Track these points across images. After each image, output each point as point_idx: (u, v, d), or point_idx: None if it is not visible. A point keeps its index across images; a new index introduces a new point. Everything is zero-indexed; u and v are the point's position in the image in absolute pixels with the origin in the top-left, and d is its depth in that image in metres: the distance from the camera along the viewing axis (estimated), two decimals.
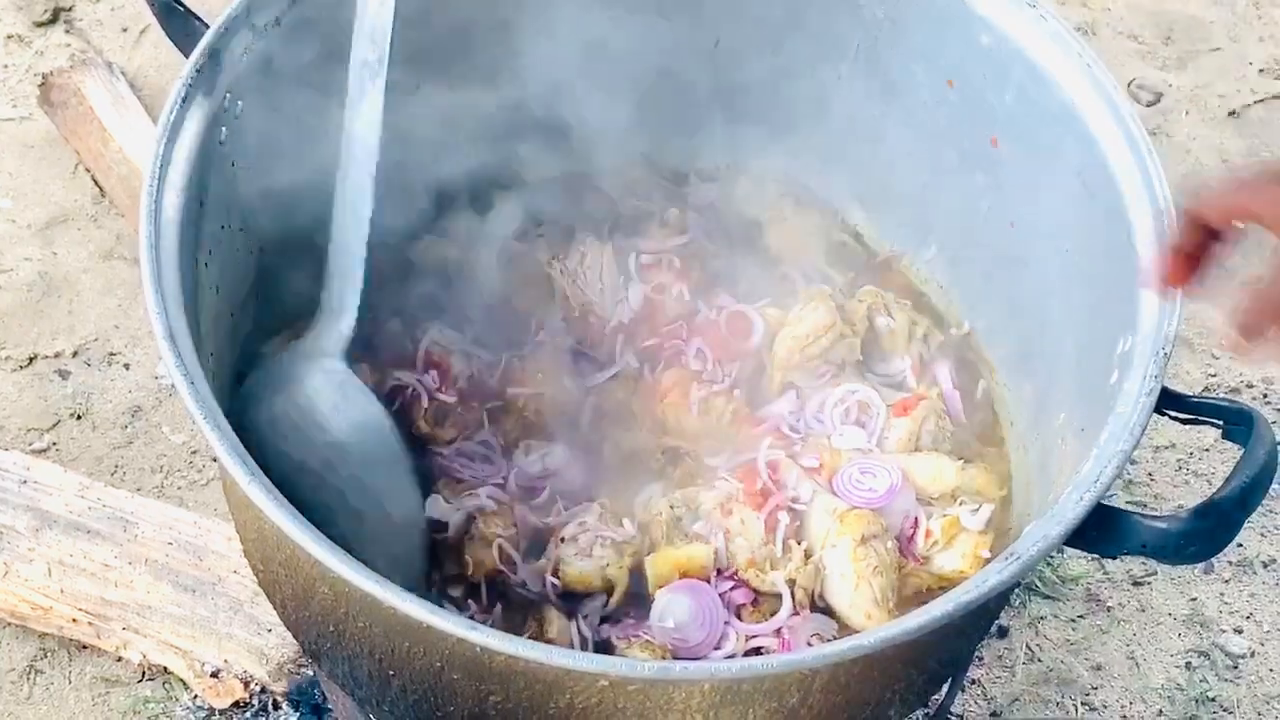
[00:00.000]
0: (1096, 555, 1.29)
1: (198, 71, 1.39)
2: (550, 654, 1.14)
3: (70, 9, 2.64)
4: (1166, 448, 2.28)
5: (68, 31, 2.61)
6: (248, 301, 1.55)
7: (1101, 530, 1.25)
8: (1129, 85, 2.77)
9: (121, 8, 2.64)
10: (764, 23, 1.71)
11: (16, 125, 2.49)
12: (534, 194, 1.77)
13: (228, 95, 1.41)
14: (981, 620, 1.37)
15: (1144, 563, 2.14)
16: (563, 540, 1.48)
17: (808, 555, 1.49)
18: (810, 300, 1.67)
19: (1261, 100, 2.79)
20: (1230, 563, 2.16)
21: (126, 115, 2.37)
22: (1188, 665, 2.05)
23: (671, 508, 1.51)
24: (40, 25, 2.61)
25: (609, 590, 1.47)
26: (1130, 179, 1.43)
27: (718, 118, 1.79)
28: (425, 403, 1.58)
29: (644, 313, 1.71)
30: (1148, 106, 2.75)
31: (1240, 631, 2.09)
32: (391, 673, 1.28)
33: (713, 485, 1.55)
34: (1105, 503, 1.23)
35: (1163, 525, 1.24)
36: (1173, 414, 1.34)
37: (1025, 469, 1.60)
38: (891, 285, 1.76)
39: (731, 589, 1.48)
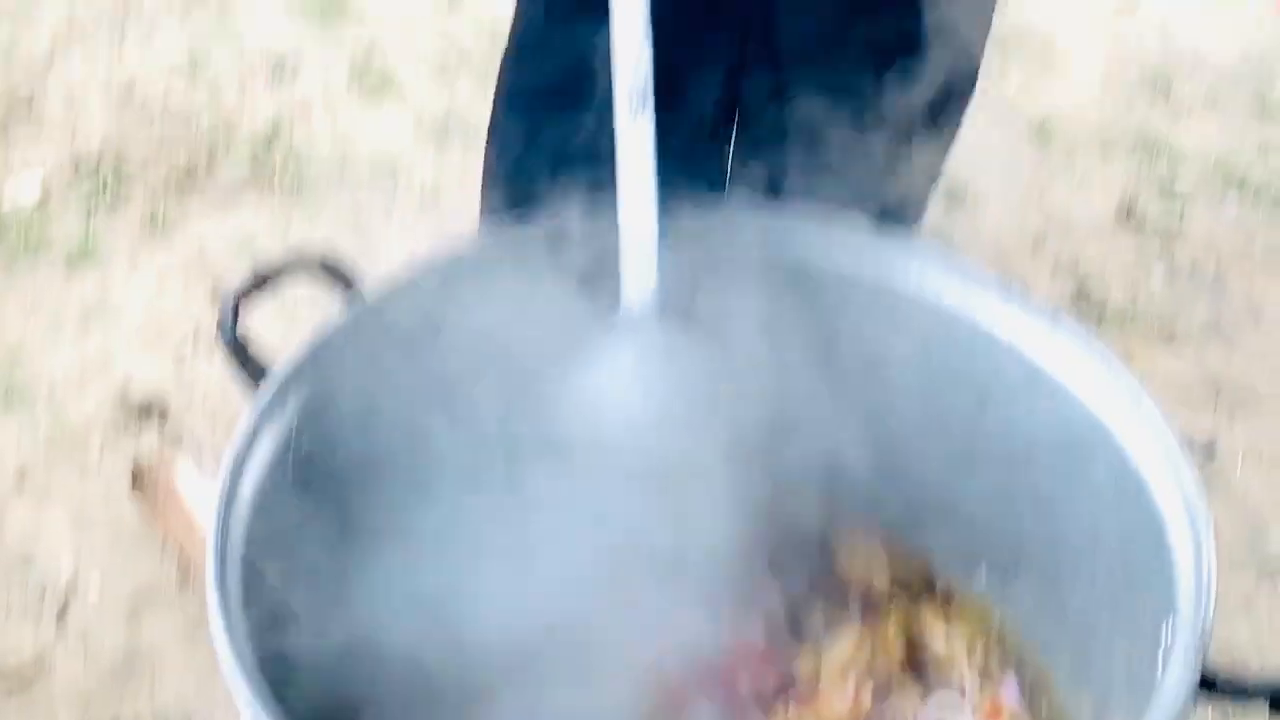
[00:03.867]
0: None
1: (265, 409, 1.50)
2: None
3: (166, 407, 2.79)
4: None
5: (162, 425, 2.76)
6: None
7: None
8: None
9: (216, 405, 2.79)
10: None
11: (108, 512, 2.61)
12: None
13: (293, 429, 1.52)
14: None
15: None
16: None
17: None
18: (834, 633, 1.72)
19: None
20: None
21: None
22: None
23: None
24: (136, 420, 2.76)
25: None
26: (1158, 476, 1.49)
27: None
28: None
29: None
30: (1201, 462, 2.79)
31: None
32: None
33: None
34: None
35: None
36: (1214, 696, 1.36)
37: None
38: (950, 606, 1.80)
39: None
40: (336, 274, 1.69)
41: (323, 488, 1.55)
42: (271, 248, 3.07)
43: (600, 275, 1.63)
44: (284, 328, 2.90)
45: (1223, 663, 1.37)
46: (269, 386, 1.53)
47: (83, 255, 3.15)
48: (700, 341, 1.63)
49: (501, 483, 1.59)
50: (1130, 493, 1.51)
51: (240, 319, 1.62)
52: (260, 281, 1.68)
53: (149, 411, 2.78)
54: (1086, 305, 3.06)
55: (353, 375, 1.58)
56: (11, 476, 2.67)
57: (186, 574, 2.50)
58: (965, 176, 3.35)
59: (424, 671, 1.54)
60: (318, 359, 1.57)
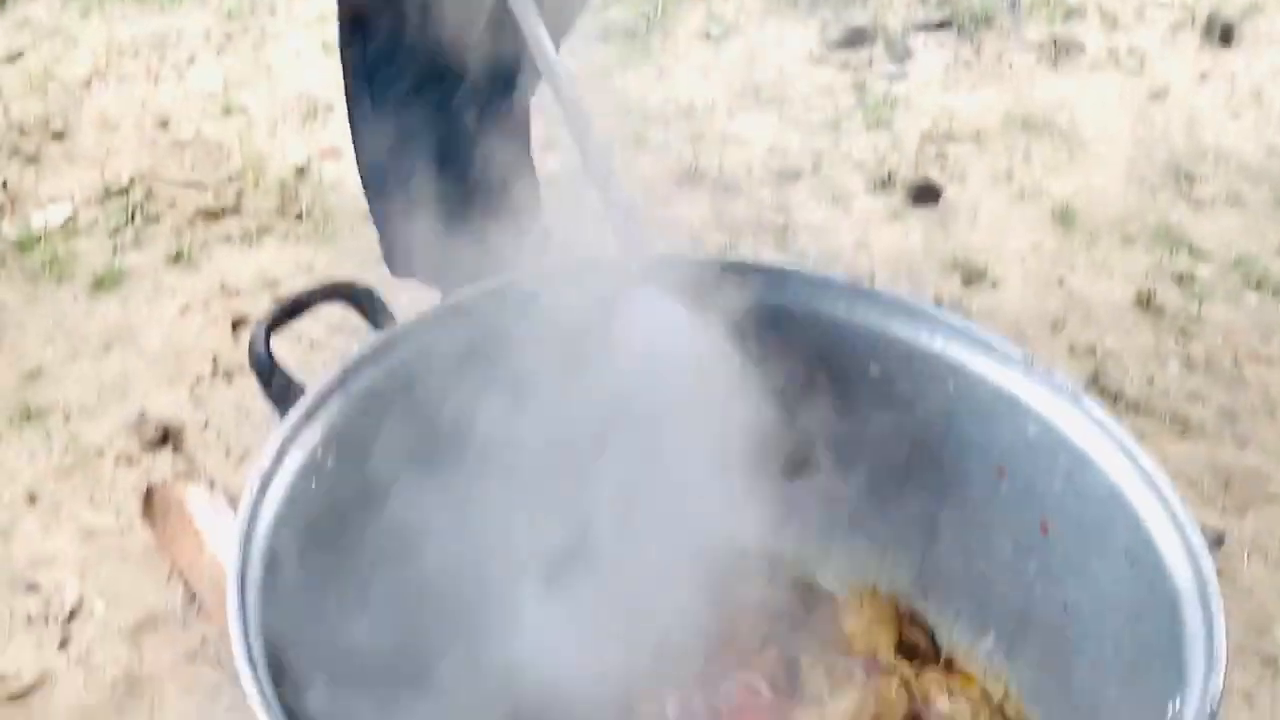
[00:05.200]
0: None
1: (293, 428, 1.52)
2: None
3: (180, 434, 2.80)
4: None
5: (175, 452, 2.77)
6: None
7: None
8: None
9: (229, 433, 2.81)
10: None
11: (117, 536, 2.61)
12: None
13: (319, 449, 1.53)
14: None
15: None
16: None
17: None
18: (838, 690, 1.72)
19: None
20: None
21: (223, 526, 2.49)
22: None
23: None
24: (150, 446, 2.77)
25: None
26: (1173, 549, 1.50)
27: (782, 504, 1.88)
28: None
29: None
30: (1210, 550, 2.79)
31: None
32: None
33: None
34: None
35: None
36: None
37: None
38: (954, 673, 1.80)
39: None
40: (366, 302, 1.71)
41: (345, 513, 1.56)
42: (294, 285, 3.08)
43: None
44: (302, 358, 2.95)
45: None
46: (298, 410, 1.54)
47: (107, 282, 3.17)
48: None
49: (532, 504, 1.61)
50: (1145, 564, 1.52)
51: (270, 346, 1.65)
52: (292, 309, 1.70)
53: (163, 439, 2.79)
54: (1103, 391, 3.06)
55: (380, 401, 1.60)
56: (22, 497, 2.68)
57: (192, 600, 2.50)
58: (986, 257, 3.37)
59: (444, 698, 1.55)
60: (346, 384, 1.58)
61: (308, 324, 2.90)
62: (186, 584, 2.51)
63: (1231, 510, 2.93)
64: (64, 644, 2.43)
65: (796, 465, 1.72)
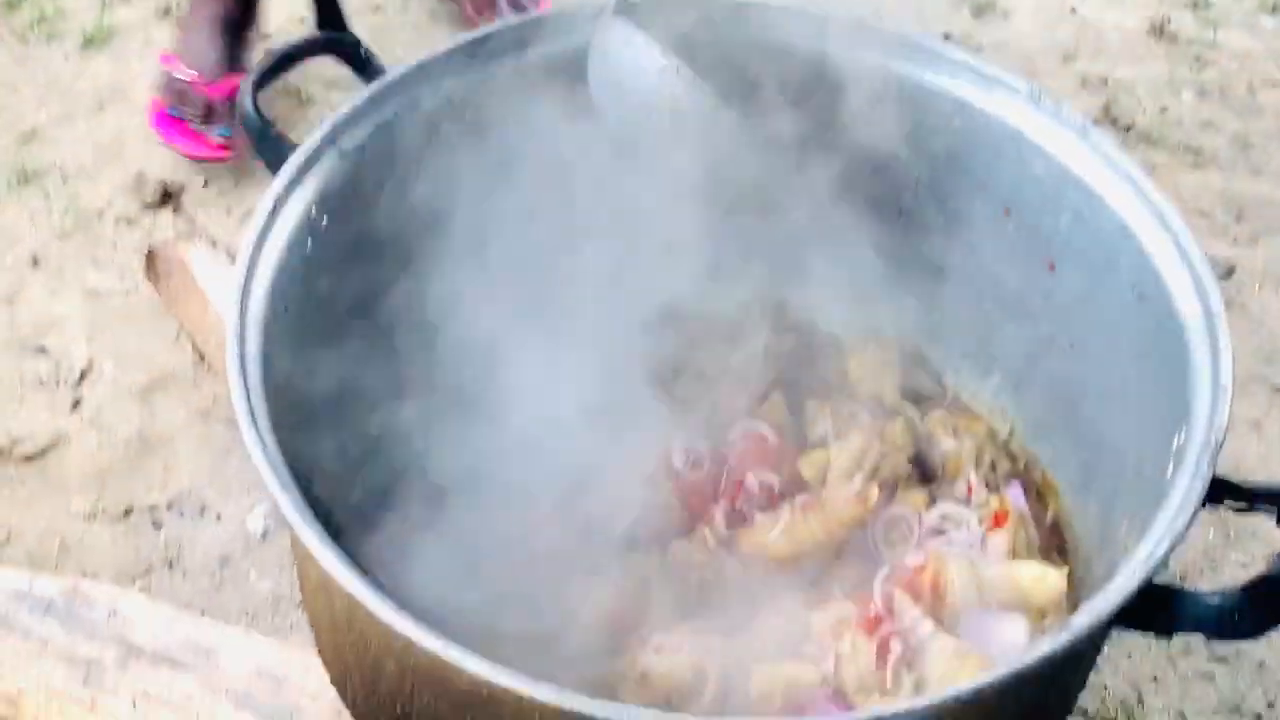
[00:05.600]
0: (1151, 634, 1.29)
1: (287, 185, 1.49)
2: (618, 711, 1.15)
3: (180, 193, 2.78)
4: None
5: (175, 212, 2.75)
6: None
7: (1154, 607, 1.26)
8: None
9: (229, 192, 2.78)
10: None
11: (123, 297, 2.61)
12: None
13: (313, 210, 1.51)
14: (1037, 705, 1.37)
15: (1227, 716, 2.11)
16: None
17: (918, 687, 1.48)
18: (843, 434, 1.72)
19: None
20: None
21: (226, 285, 2.48)
22: None
23: (783, 627, 1.52)
24: (150, 206, 2.75)
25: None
26: (1181, 282, 1.48)
27: (785, 250, 1.86)
28: None
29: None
30: (1220, 280, 2.78)
31: None
32: None
33: (825, 608, 1.56)
34: (1156, 581, 1.25)
35: (1214, 600, 1.26)
36: (1228, 503, 1.36)
37: (1091, 583, 1.61)
38: (959, 415, 1.80)
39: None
40: (356, 55, 1.66)
41: (344, 269, 1.54)
42: (287, 38, 3.02)
43: None
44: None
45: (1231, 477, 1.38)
46: (289, 168, 1.52)
47: (97, 39, 3.10)
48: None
49: (523, 264, 1.59)
50: (1152, 299, 1.50)
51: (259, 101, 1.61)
52: (279, 63, 1.66)
53: (163, 198, 2.76)
54: (1115, 123, 3.01)
55: (373, 158, 1.57)
56: (26, 260, 2.67)
57: (201, 359, 2.51)
58: None
59: (446, 466, 1.55)
60: (338, 141, 1.55)
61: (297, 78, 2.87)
62: (194, 343, 2.52)
63: (1243, 240, 2.90)
64: (75, 406, 2.44)
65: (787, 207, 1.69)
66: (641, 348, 1.64)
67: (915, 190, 1.77)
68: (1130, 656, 2.18)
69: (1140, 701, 2.12)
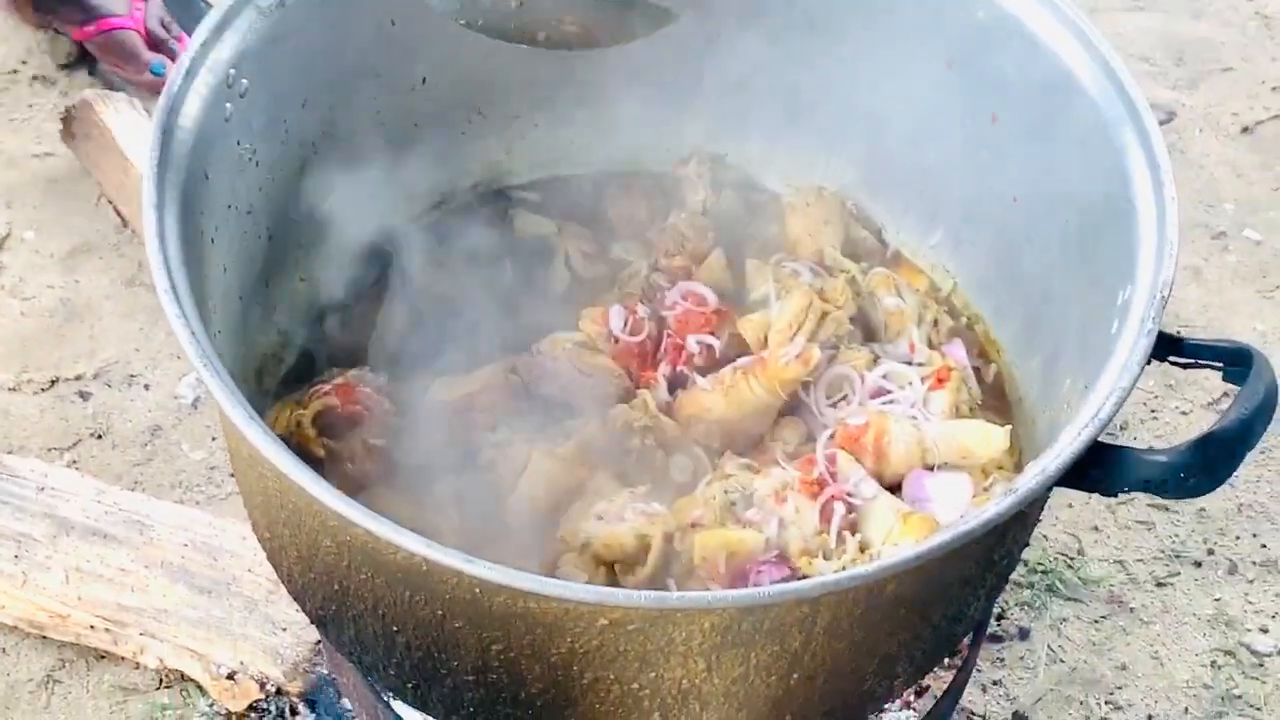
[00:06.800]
0: (1098, 494, 1.28)
1: (202, 46, 1.42)
2: (545, 585, 1.13)
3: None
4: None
5: (90, 73, 2.66)
6: (257, 287, 1.57)
7: (1100, 467, 1.25)
8: None
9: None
10: (764, 14, 1.74)
11: (40, 161, 2.54)
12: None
13: (232, 73, 1.44)
14: (983, 565, 1.36)
15: (1167, 564, 2.12)
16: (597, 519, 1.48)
17: (862, 549, 1.46)
18: (784, 293, 1.68)
19: (1276, 116, 2.80)
20: (1255, 563, 2.14)
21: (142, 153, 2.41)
22: (1213, 664, 2.03)
23: (726, 492, 1.49)
24: (64, 67, 2.66)
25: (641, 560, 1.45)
26: (1127, 134, 1.45)
27: (725, 104, 1.82)
28: None
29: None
30: (1161, 125, 2.75)
31: (1266, 631, 2.07)
32: (395, 629, 1.28)
33: (768, 472, 1.52)
34: (1102, 440, 1.23)
35: (1162, 459, 1.24)
36: (1173, 359, 1.35)
37: (1035, 440, 1.60)
38: (900, 271, 1.77)
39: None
40: None
41: (262, 128, 1.48)
42: None
43: None
44: None
45: (1173, 329, 1.36)
46: (206, 24, 1.45)
47: None
48: None
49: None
50: (1095, 147, 1.47)
51: None
52: None
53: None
54: None
55: (292, 17, 1.50)
56: None
57: (124, 225, 2.45)
58: None
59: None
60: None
61: None
62: (115, 208, 2.45)
63: (1184, 84, 2.88)
64: None
65: None
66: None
67: (854, 42, 1.72)
68: (1070, 506, 2.19)
69: (1081, 551, 2.14)
